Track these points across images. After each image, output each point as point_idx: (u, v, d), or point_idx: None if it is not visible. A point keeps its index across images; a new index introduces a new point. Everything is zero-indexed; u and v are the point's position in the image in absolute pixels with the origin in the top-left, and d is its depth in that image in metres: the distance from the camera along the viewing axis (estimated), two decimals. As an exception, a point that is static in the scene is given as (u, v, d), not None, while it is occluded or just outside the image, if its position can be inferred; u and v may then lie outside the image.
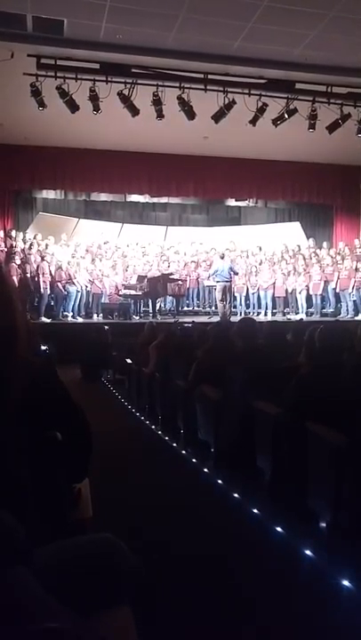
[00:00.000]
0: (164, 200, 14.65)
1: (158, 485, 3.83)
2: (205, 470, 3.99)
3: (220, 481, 3.71)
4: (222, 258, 11.94)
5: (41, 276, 11.38)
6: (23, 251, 11.98)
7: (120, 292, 12.27)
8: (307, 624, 2.20)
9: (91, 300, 12.42)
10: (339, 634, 2.13)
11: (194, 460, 4.24)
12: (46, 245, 12.41)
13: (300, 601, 2.31)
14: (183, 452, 4.52)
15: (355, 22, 7.53)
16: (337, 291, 12.93)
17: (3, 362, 1.11)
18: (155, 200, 14.52)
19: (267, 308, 13.06)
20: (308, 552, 2.62)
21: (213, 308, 13.04)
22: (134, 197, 14.25)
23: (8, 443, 1.16)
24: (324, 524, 2.73)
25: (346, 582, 2.35)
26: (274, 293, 13.08)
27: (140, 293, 12.09)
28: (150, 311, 12.30)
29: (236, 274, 12.22)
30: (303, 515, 2.87)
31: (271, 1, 7.02)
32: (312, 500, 2.85)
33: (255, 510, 3.15)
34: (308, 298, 13.00)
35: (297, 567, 2.56)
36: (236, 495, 3.42)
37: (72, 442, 1.43)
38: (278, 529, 2.88)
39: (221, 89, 9.09)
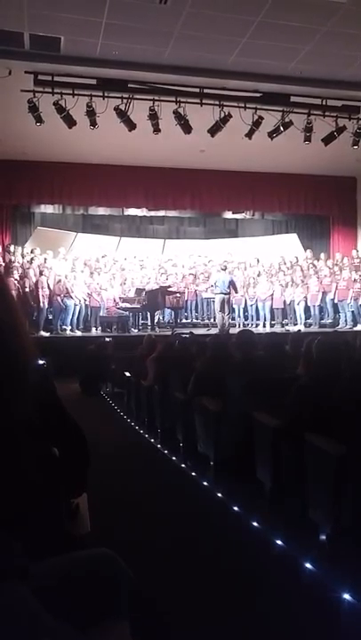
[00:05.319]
0: (161, 213, 14.70)
1: (157, 499, 3.81)
2: (205, 483, 3.96)
3: (219, 494, 3.68)
4: (224, 269, 11.97)
5: (40, 290, 11.41)
6: (22, 265, 12.04)
7: (118, 305, 12.29)
8: (307, 637, 2.17)
9: (89, 313, 12.42)
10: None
11: (193, 474, 4.22)
12: (45, 259, 12.45)
13: (300, 613, 2.29)
14: (183, 465, 4.49)
15: (348, 37, 7.64)
16: (335, 301, 12.95)
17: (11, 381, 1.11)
18: (152, 213, 14.56)
19: (265, 320, 13.07)
20: (308, 565, 2.60)
21: (212, 320, 13.05)
22: (132, 211, 14.31)
23: (9, 459, 1.16)
24: (324, 537, 2.71)
25: (347, 595, 2.33)
26: (272, 305, 13.10)
27: (139, 306, 12.09)
28: (149, 324, 12.30)
29: (236, 290, 12.20)
30: (304, 526, 2.85)
31: (265, 17, 7.13)
32: (312, 512, 2.83)
33: (255, 523, 3.13)
34: (307, 309, 13.02)
35: (298, 579, 2.54)
36: (235, 508, 3.40)
37: (69, 457, 1.43)
38: (278, 541, 2.86)
39: (217, 103, 9.19)
